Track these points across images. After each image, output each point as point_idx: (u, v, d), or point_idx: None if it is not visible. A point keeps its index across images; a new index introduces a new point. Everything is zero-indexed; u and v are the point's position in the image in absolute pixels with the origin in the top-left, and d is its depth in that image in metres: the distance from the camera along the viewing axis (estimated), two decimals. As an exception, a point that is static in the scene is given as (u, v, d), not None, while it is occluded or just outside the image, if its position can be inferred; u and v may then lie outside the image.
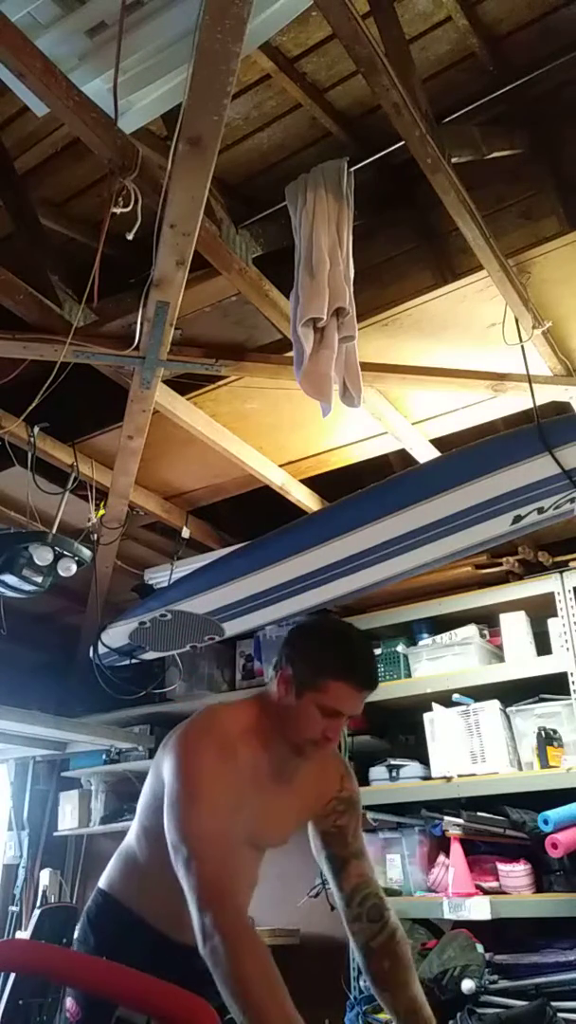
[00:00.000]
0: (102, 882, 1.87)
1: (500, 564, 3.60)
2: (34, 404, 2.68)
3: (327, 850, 1.85)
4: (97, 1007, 1.62)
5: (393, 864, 3.47)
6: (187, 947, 1.53)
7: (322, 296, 2.26)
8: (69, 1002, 1.69)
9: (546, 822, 2.96)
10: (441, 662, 3.59)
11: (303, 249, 2.35)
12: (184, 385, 2.95)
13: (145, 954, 1.61)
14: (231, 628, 3.52)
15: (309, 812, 1.86)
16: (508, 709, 3.37)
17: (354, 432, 3.22)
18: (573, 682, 3.21)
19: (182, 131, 1.89)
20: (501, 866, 3.15)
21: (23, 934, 3.94)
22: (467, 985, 2.84)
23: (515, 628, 3.49)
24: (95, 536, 3.43)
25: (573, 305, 2.65)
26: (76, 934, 1.87)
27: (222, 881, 1.46)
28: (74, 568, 3.13)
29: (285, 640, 1.79)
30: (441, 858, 3.28)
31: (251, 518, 3.85)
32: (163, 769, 1.65)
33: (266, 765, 1.71)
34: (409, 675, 3.69)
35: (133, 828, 1.85)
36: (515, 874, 3.11)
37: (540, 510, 2.78)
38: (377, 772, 3.57)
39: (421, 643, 3.72)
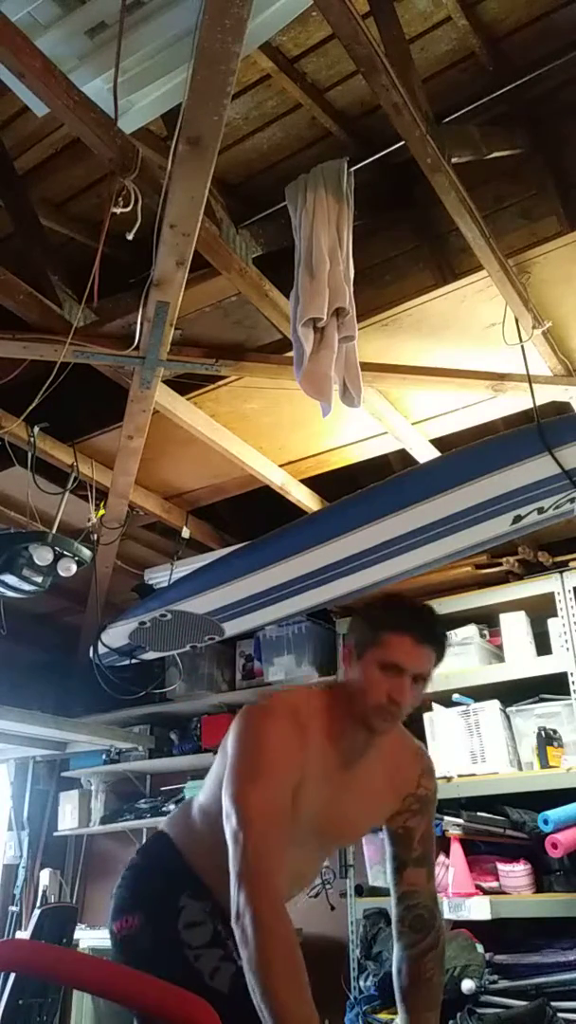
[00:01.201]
0: (163, 825, 1.82)
1: (500, 564, 3.60)
2: (34, 404, 2.68)
3: (391, 848, 1.79)
4: (162, 907, 1.59)
5: (393, 864, 3.47)
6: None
7: (322, 296, 2.26)
8: (120, 922, 1.63)
9: (546, 822, 2.96)
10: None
11: (303, 249, 2.35)
12: (184, 385, 2.95)
13: (192, 902, 1.61)
14: (231, 628, 3.52)
15: (384, 809, 1.76)
16: (508, 709, 3.37)
17: (354, 432, 3.23)
18: (573, 682, 3.21)
19: (182, 131, 1.89)
20: (501, 866, 3.15)
21: (23, 934, 3.94)
22: (467, 985, 2.84)
23: (515, 628, 3.49)
24: (95, 536, 3.43)
25: (573, 305, 2.65)
26: (129, 865, 1.79)
27: (265, 858, 1.40)
28: (74, 568, 3.13)
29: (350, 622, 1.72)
30: (441, 858, 3.27)
31: (251, 518, 3.85)
32: (228, 742, 1.59)
33: (336, 753, 1.62)
34: (409, 675, 3.68)
35: (197, 799, 1.78)
36: (515, 874, 3.11)
37: (540, 510, 2.78)
38: (377, 772, 3.57)
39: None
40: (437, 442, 3.31)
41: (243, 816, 1.43)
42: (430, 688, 3.47)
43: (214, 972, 1.47)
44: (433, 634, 1.63)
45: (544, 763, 3.14)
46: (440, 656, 1.63)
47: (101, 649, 3.76)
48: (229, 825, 1.45)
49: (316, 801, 1.57)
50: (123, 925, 1.63)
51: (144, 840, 4.60)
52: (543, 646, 3.43)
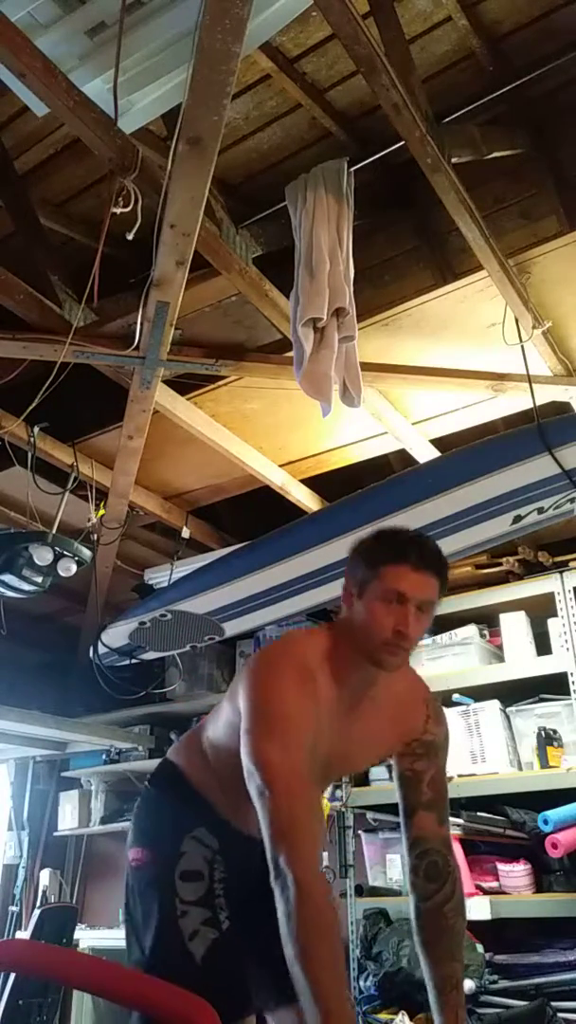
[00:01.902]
0: (171, 755, 1.79)
1: (500, 564, 3.60)
2: (34, 404, 2.68)
3: (400, 791, 1.75)
4: (165, 849, 1.60)
5: (393, 864, 3.47)
6: (250, 837, 1.54)
7: (322, 296, 2.26)
8: (134, 852, 1.65)
9: (546, 822, 2.96)
10: (441, 662, 3.58)
11: (303, 249, 2.35)
12: (184, 385, 2.95)
13: (205, 828, 1.61)
14: (231, 628, 3.52)
15: (387, 747, 1.74)
16: (508, 709, 3.37)
17: (354, 432, 3.23)
18: (573, 682, 3.21)
19: (182, 131, 1.89)
20: (501, 866, 3.15)
21: (23, 934, 3.94)
22: (467, 985, 2.83)
23: (515, 628, 3.49)
24: (95, 536, 3.43)
25: (573, 305, 2.65)
26: (143, 795, 1.78)
27: (298, 818, 1.38)
28: (74, 568, 3.13)
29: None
30: (441, 858, 3.27)
31: (251, 518, 3.85)
32: (239, 697, 1.55)
33: (344, 694, 1.59)
34: (409, 675, 3.68)
35: (205, 730, 1.74)
36: (515, 874, 3.11)
37: (540, 510, 2.78)
38: (377, 772, 3.57)
39: (421, 643, 3.72)
40: (437, 442, 3.31)
41: (266, 777, 1.41)
42: (430, 688, 3.49)
43: (194, 934, 1.47)
44: (432, 558, 1.57)
45: (544, 763, 3.14)
46: (443, 581, 1.58)
47: (101, 649, 3.76)
48: (253, 783, 1.43)
49: (325, 744, 1.55)
50: (135, 856, 1.65)
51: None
52: (543, 646, 3.43)
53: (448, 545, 2.95)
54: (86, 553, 3.18)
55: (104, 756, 4.62)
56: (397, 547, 1.58)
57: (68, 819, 4.78)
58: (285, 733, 1.45)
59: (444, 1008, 1.59)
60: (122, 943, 4.24)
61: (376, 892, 3.50)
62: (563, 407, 2.96)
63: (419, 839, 1.72)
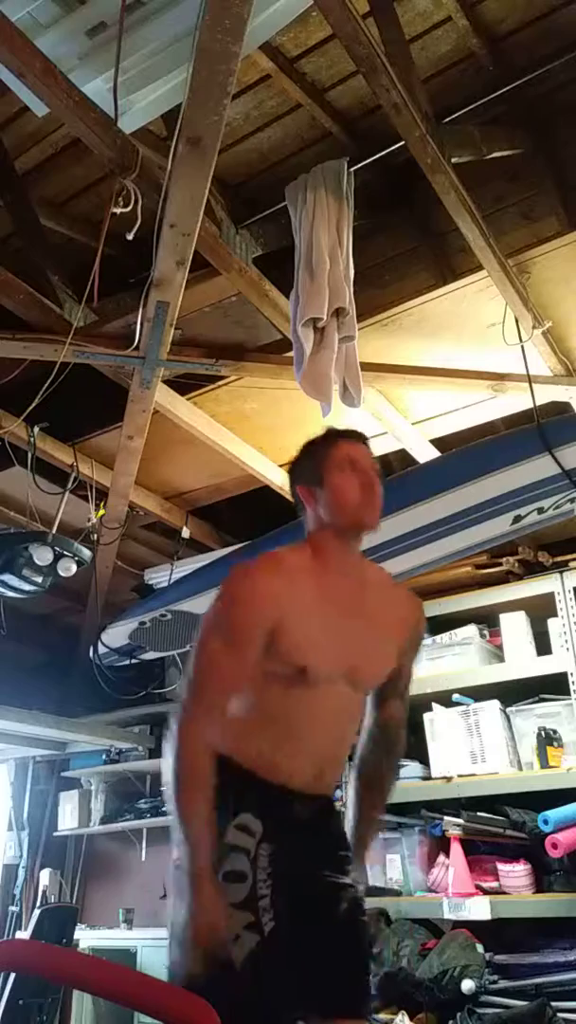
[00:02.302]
0: None
1: (500, 564, 3.60)
2: (34, 404, 2.68)
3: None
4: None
5: (393, 864, 3.47)
6: (285, 789, 1.59)
7: (322, 296, 2.26)
8: (177, 851, 1.63)
9: (546, 822, 2.95)
10: (441, 662, 3.58)
11: (303, 249, 2.35)
12: (184, 385, 2.96)
13: (249, 813, 1.58)
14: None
15: (397, 643, 1.78)
16: (508, 709, 3.37)
17: (354, 432, 3.22)
18: (573, 682, 3.21)
19: (182, 131, 1.89)
20: (501, 866, 3.15)
21: (23, 934, 3.94)
22: (467, 985, 2.84)
23: (515, 628, 3.49)
24: (95, 536, 3.43)
25: (573, 305, 2.65)
26: None
27: (201, 684, 1.57)
28: (74, 568, 3.13)
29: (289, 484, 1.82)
30: (441, 858, 3.28)
31: (251, 518, 3.85)
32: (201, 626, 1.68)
33: (333, 580, 1.66)
34: (409, 675, 3.68)
35: None
36: (515, 874, 3.11)
37: (540, 510, 2.78)
38: (377, 772, 3.56)
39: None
40: (437, 442, 3.31)
41: (195, 656, 1.60)
42: (430, 688, 3.49)
43: (236, 939, 1.43)
44: (359, 434, 1.77)
45: (544, 763, 3.14)
46: (369, 448, 1.77)
47: (101, 649, 3.76)
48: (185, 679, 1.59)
49: (336, 645, 1.61)
50: (178, 856, 1.61)
51: (144, 842, 4.63)
52: (543, 646, 3.43)
53: (448, 545, 2.95)
54: (86, 553, 3.18)
55: (104, 756, 4.62)
56: (331, 435, 1.75)
57: (68, 819, 4.78)
58: (230, 628, 1.58)
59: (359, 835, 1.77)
60: (122, 943, 4.26)
61: (376, 892, 3.50)
62: (563, 407, 2.96)
63: (387, 722, 1.84)
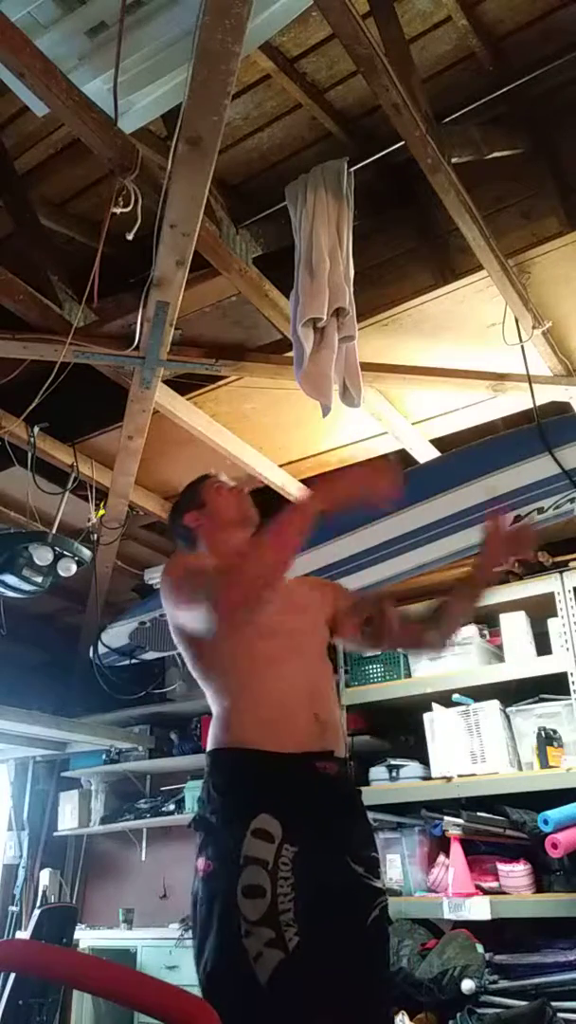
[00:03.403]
0: (208, 746, 1.79)
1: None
2: (34, 404, 2.68)
3: (344, 625, 1.93)
4: (226, 859, 1.54)
5: (393, 864, 3.47)
6: (296, 756, 1.61)
7: (322, 296, 2.26)
8: (200, 862, 1.59)
9: (546, 822, 2.96)
10: (441, 662, 3.58)
11: (303, 249, 2.35)
12: (184, 385, 2.95)
13: (263, 779, 1.59)
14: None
15: (325, 602, 1.93)
16: (508, 709, 3.37)
17: (354, 432, 3.22)
18: (573, 682, 3.21)
19: (182, 131, 1.89)
20: (501, 866, 3.15)
21: (23, 934, 3.94)
22: (467, 985, 2.84)
23: (515, 628, 3.49)
24: (95, 536, 3.43)
25: (573, 305, 2.65)
26: (201, 796, 1.74)
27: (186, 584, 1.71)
28: (74, 568, 3.13)
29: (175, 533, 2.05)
30: (441, 858, 3.28)
31: (251, 518, 3.84)
32: (164, 603, 1.80)
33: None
34: (409, 675, 3.68)
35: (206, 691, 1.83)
36: (515, 874, 3.11)
37: (540, 510, 2.79)
38: (377, 772, 3.57)
39: (421, 643, 3.71)
40: (437, 442, 3.31)
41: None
42: (430, 688, 3.49)
43: (258, 956, 1.41)
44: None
45: (544, 763, 3.14)
46: None
47: (101, 649, 3.76)
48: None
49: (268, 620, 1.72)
50: (201, 866, 1.58)
51: (144, 842, 4.62)
52: (543, 646, 3.43)
53: (448, 545, 2.95)
54: (86, 553, 3.18)
55: (104, 756, 4.62)
56: (198, 482, 2.06)
57: (68, 819, 4.78)
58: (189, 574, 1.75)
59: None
60: (122, 943, 4.26)
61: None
62: (563, 407, 2.96)
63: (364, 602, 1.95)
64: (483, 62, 2.59)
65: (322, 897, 1.50)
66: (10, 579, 3.04)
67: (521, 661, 3.41)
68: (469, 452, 2.84)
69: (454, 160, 2.29)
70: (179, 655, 4.06)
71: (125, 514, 3.51)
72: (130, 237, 2.08)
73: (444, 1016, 2.89)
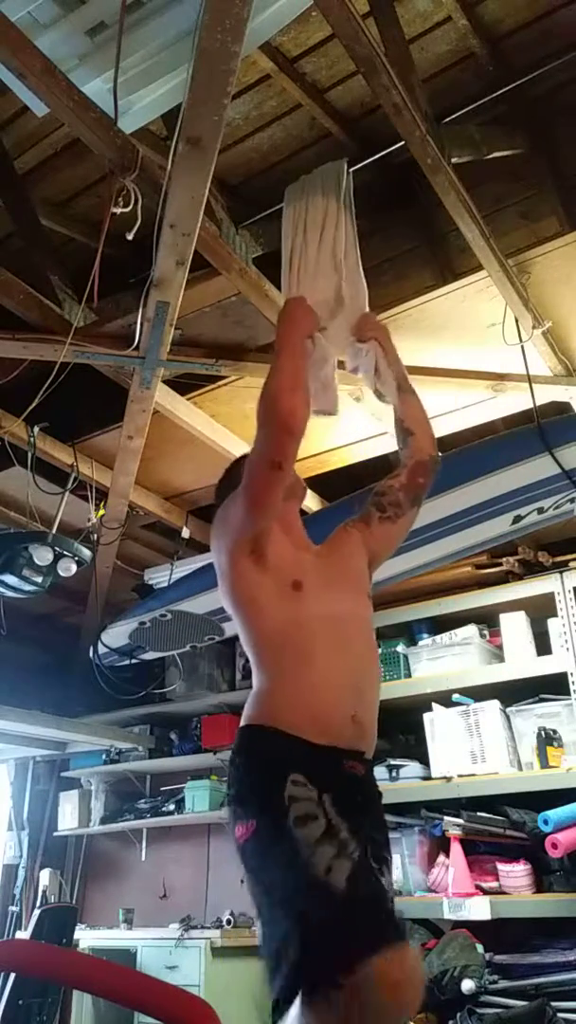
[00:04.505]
0: (242, 720, 1.77)
1: (500, 564, 3.60)
2: (34, 404, 2.68)
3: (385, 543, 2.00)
4: (269, 807, 1.53)
5: (393, 864, 3.46)
6: (333, 749, 1.60)
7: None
8: (239, 829, 1.57)
9: (546, 822, 2.96)
10: (441, 662, 3.59)
11: (298, 250, 2.34)
12: (184, 385, 2.95)
13: (299, 773, 1.56)
14: (231, 628, 3.52)
15: (366, 548, 1.95)
16: (508, 709, 3.37)
17: (354, 432, 3.22)
18: (573, 682, 3.21)
19: (182, 131, 1.89)
20: (501, 866, 3.15)
21: (23, 934, 3.94)
22: (467, 985, 2.84)
23: (515, 628, 3.49)
24: (95, 536, 3.43)
25: (573, 305, 2.65)
26: (230, 774, 1.74)
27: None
28: (74, 568, 3.13)
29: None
30: (441, 858, 3.28)
31: (251, 518, 3.84)
32: (215, 543, 1.86)
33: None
34: (409, 675, 3.69)
35: (246, 647, 1.83)
36: (515, 874, 3.11)
37: (540, 510, 2.79)
38: (377, 772, 3.54)
39: (421, 643, 3.72)
40: (437, 442, 3.29)
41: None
42: (430, 688, 3.49)
43: (328, 870, 1.41)
44: None
45: (544, 763, 3.14)
46: None
47: (101, 649, 3.76)
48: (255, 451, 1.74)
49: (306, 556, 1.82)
50: (242, 831, 1.57)
51: (144, 842, 4.62)
52: (543, 646, 3.43)
53: (448, 545, 2.95)
54: (86, 553, 3.18)
55: (104, 756, 4.63)
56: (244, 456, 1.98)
57: (68, 819, 4.78)
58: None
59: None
60: (122, 943, 4.25)
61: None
62: (563, 407, 2.96)
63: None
64: (483, 62, 2.59)
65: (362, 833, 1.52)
66: (10, 579, 3.04)
67: (521, 661, 3.42)
68: (469, 452, 2.83)
69: (454, 160, 2.29)
70: (179, 655, 4.07)
71: (125, 514, 3.51)
72: (130, 237, 2.08)
73: (444, 1016, 2.89)
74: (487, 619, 3.66)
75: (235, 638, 3.99)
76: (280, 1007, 1.39)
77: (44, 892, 4.51)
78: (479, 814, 3.22)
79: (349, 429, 3.20)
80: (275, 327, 2.08)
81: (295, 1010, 1.34)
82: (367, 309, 2.24)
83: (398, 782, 3.50)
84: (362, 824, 1.53)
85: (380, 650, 3.72)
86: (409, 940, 1.56)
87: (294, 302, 1.99)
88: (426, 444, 2.05)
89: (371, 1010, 1.30)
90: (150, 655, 3.89)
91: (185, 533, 3.80)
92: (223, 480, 2.04)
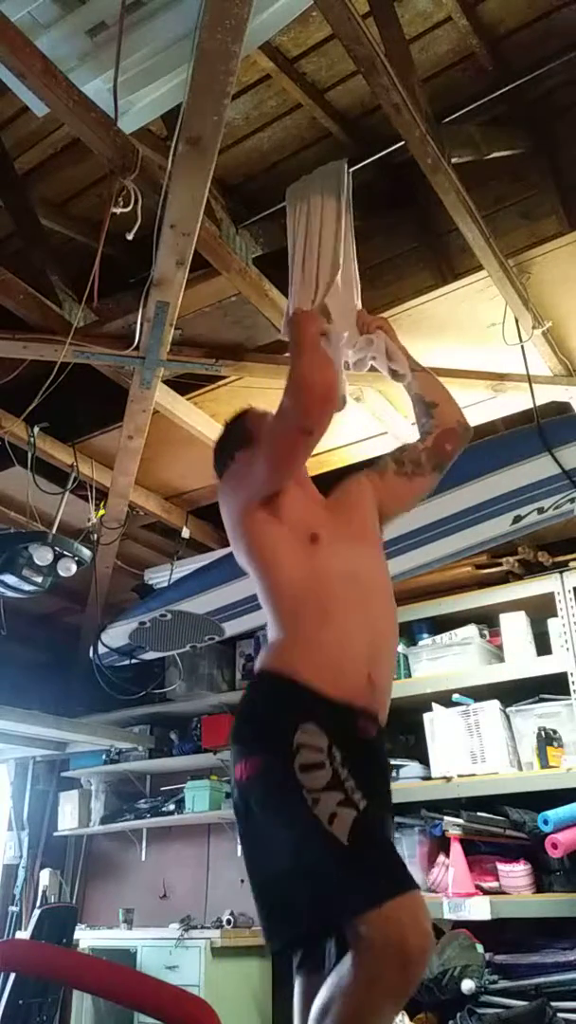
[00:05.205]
0: (257, 666, 1.76)
1: (500, 564, 3.60)
2: (34, 404, 2.68)
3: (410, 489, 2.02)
4: (276, 749, 1.51)
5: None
6: (348, 706, 1.59)
7: (310, 291, 2.24)
8: (241, 767, 1.55)
9: (546, 822, 2.96)
10: (441, 662, 3.59)
11: (297, 249, 2.34)
12: (184, 385, 2.95)
13: (309, 704, 1.56)
14: (231, 628, 3.52)
15: (375, 497, 1.96)
16: (508, 709, 3.37)
17: (354, 432, 3.22)
18: (573, 682, 3.21)
19: (182, 131, 1.89)
20: (501, 866, 3.15)
21: (23, 934, 3.94)
22: (467, 985, 2.84)
23: (515, 628, 3.49)
24: (95, 536, 3.43)
25: (573, 305, 2.65)
26: (239, 711, 1.71)
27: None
28: (74, 568, 3.13)
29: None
30: (441, 858, 3.28)
31: (251, 518, 3.84)
32: (226, 498, 1.90)
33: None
34: (409, 675, 3.69)
35: (263, 608, 1.82)
36: (515, 874, 3.11)
37: (540, 510, 2.78)
38: (377, 772, 3.57)
39: (421, 643, 3.72)
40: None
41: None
42: (430, 688, 3.49)
43: (332, 818, 1.39)
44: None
45: (544, 763, 3.14)
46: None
47: (101, 649, 3.76)
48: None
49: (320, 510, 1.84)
50: (243, 770, 1.56)
51: (144, 842, 4.63)
52: (543, 646, 3.43)
53: (448, 545, 2.95)
54: (86, 553, 3.17)
55: (104, 756, 4.62)
56: (242, 412, 2.09)
57: (68, 819, 4.78)
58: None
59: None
60: (122, 943, 4.25)
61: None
62: (563, 407, 2.96)
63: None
64: (483, 62, 2.59)
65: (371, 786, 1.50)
66: (10, 579, 3.04)
67: (521, 661, 3.41)
68: (469, 452, 2.82)
69: (454, 160, 2.29)
70: (179, 655, 4.07)
71: (125, 514, 3.51)
72: (130, 237, 2.08)
73: (444, 1016, 2.89)
74: (487, 619, 3.66)
75: (235, 638, 4.01)
76: (283, 955, 1.38)
77: (44, 892, 4.51)
78: (479, 814, 3.22)
79: (349, 429, 3.20)
80: (280, 331, 2.12)
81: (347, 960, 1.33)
82: (359, 306, 2.24)
83: (398, 782, 3.49)
84: (371, 785, 1.51)
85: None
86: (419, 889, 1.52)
87: (298, 311, 2.02)
88: (454, 411, 2.05)
89: (384, 960, 1.30)
90: (150, 655, 3.89)
91: (185, 533, 3.80)
92: (224, 438, 2.08)
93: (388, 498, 1.96)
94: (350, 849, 1.36)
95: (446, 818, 3.21)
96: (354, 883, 1.34)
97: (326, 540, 1.75)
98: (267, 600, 1.76)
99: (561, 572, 3.44)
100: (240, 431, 2.00)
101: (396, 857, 1.44)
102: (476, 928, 3.05)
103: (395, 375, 2.15)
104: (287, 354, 2.49)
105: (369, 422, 3.11)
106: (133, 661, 3.91)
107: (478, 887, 3.12)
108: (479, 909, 3.01)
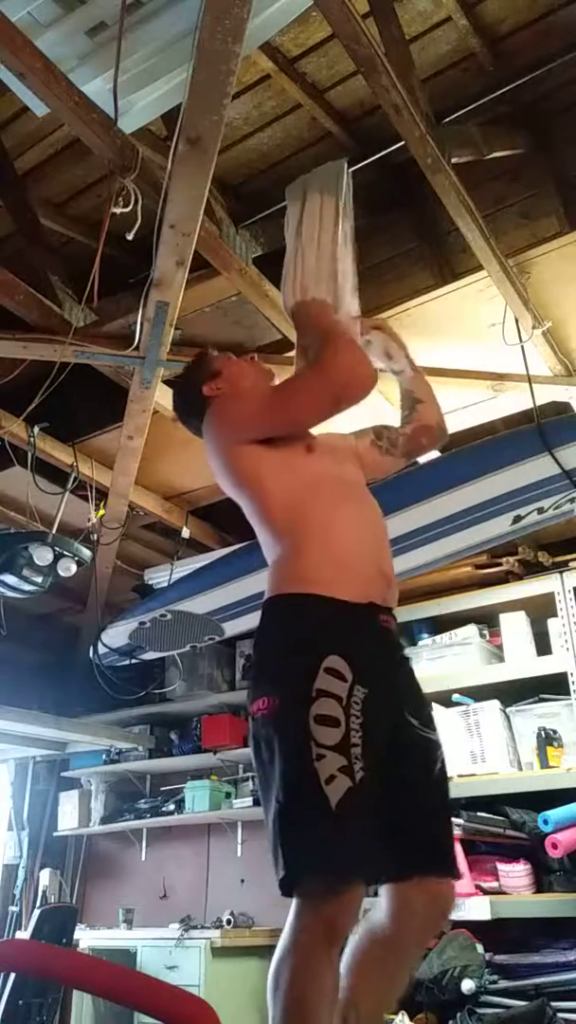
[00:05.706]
0: (267, 592, 1.73)
1: (500, 564, 3.60)
2: (34, 404, 2.68)
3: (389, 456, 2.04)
4: (295, 691, 1.50)
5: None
6: (362, 605, 1.60)
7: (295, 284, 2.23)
8: (259, 702, 1.53)
9: (546, 822, 2.96)
10: (441, 662, 3.58)
11: (294, 246, 2.34)
12: (184, 385, 2.95)
13: (332, 623, 1.55)
14: (231, 628, 3.52)
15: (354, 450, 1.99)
16: (508, 709, 3.37)
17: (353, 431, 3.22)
18: (573, 682, 3.21)
19: (182, 131, 1.89)
20: (501, 866, 3.15)
21: (23, 934, 3.94)
22: (467, 985, 2.84)
23: (515, 628, 3.49)
24: (95, 536, 3.43)
25: (573, 305, 2.66)
26: (256, 653, 1.69)
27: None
28: (74, 568, 3.13)
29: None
30: (441, 858, 3.27)
31: (251, 518, 3.84)
32: (213, 432, 1.85)
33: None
34: (409, 675, 3.68)
35: (259, 538, 1.81)
36: (515, 874, 3.11)
37: (540, 510, 2.78)
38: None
39: (421, 643, 3.72)
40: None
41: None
42: (430, 688, 3.48)
43: (330, 779, 1.41)
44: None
45: (544, 763, 3.14)
46: None
47: (101, 649, 3.76)
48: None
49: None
50: (260, 706, 1.54)
51: (144, 842, 4.62)
52: (543, 646, 3.43)
53: (448, 545, 2.95)
54: (86, 553, 3.18)
55: (104, 756, 4.62)
56: (203, 352, 2.03)
57: (68, 819, 4.78)
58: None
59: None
60: (122, 943, 4.25)
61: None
62: (563, 407, 2.96)
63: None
64: (483, 62, 2.59)
65: (388, 740, 1.53)
66: (10, 579, 3.04)
67: (521, 661, 3.41)
68: (469, 452, 2.83)
69: (454, 160, 2.29)
70: (179, 655, 4.06)
71: (125, 514, 3.51)
72: (130, 237, 2.08)
73: (444, 1016, 2.89)
74: (487, 619, 3.65)
75: (235, 638, 4.00)
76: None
77: (44, 892, 4.51)
78: (479, 814, 3.22)
79: (349, 429, 3.19)
80: (293, 321, 2.08)
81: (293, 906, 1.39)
82: (357, 306, 2.24)
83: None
84: (392, 698, 1.56)
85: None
86: (414, 875, 1.60)
87: (308, 299, 2.01)
88: (434, 412, 2.07)
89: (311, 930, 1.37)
90: (150, 655, 3.89)
91: (185, 533, 3.80)
92: (187, 373, 2.04)
93: (361, 461, 1.99)
94: (335, 815, 1.38)
95: (446, 818, 3.21)
96: (333, 852, 1.38)
97: (319, 451, 1.82)
98: (262, 522, 1.75)
99: (561, 572, 3.44)
100: (204, 364, 1.98)
101: (376, 844, 1.44)
102: (476, 928, 3.05)
103: (394, 372, 2.16)
104: (287, 354, 2.50)
105: (369, 422, 3.10)
106: (133, 661, 3.90)
107: (478, 887, 3.12)
108: (479, 909, 3.01)
